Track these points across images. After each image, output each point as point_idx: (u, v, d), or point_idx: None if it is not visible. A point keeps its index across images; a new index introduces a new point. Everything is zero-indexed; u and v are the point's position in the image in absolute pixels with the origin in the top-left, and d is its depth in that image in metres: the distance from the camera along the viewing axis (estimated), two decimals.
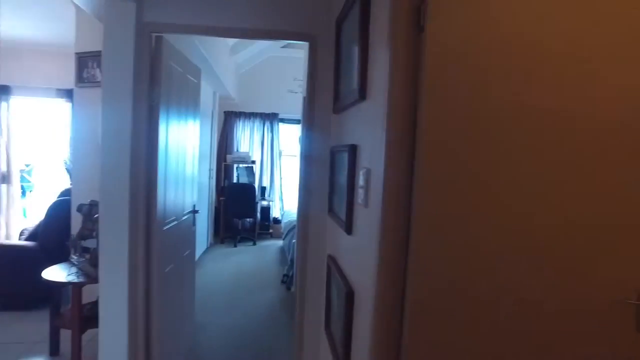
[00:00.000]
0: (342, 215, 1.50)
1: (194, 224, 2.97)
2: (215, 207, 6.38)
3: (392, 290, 1.09)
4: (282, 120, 6.92)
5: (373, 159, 1.18)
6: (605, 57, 1.05)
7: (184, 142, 2.63)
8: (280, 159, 6.93)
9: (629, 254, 1.09)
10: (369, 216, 1.19)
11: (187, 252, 2.78)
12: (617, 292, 1.08)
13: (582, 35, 1.05)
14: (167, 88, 2.18)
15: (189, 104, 2.69)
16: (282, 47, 6.67)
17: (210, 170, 5.92)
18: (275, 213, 6.88)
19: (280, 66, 6.77)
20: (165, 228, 2.27)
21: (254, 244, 6.19)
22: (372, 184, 1.18)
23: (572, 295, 1.08)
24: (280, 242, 6.12)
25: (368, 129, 1.27)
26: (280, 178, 6.93)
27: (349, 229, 1.43)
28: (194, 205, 2.97)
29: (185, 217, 2.73)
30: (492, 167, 1.05)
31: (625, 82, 1.06)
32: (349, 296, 1.36)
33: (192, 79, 2.75)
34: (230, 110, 6.79)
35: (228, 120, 6.79)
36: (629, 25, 1.06)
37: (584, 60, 1.05)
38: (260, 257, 5.52)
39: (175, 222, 2.47)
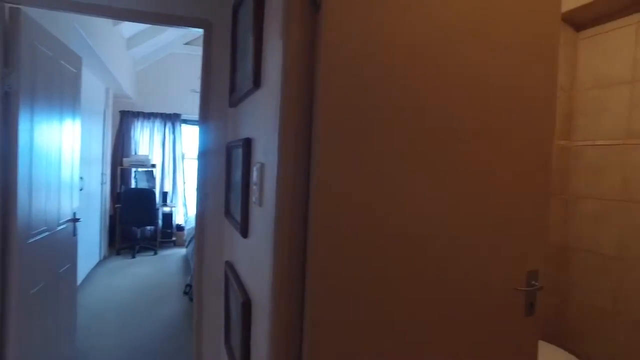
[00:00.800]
0: (238, 216, 1.36)
1: (74, 234, 2.57)
2: (110, 216, 5.75)
3: (290, 298, 0.98)
4: (185, 122, 6.51)
5: (267, 153, 1.07)
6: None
7: (58, 142, 2.25)
8: (183, 162, 6.50)
9: (518, 245, 1.12)
10: (264, 216, 1.08)
11: (65, 267, 2.39)
12: (509, 281, 1.11)
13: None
14: (31, 74, 1.83)
15: (65, 96, 2.32)
16: (185, 43, 6.28)
17: (102, 174, 5.32)
18: (178, 219, 6.43)
19: (183, 64, 6.37)
20: (31, 240, 1.90)
21: (155, 253, 5.69)
22: (265, 180, 1.07)
23: (470, 291, 1.08)
24: (183, 251, 5.72)
25: (262, 120, 1.15)
26: (184, 182, 6.50)
27: (244, 232, 1.29)
28: (75, 213, 2.58)
29: (62, 226, 2.35)
30: (391, 164, 0.99)
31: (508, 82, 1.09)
32: (246, 306, 1.23)
33: (70, 67, 2.38)
34: (127, 109, 6.20)
35: (124, 120, 6.19)
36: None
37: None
38: (161, 267, 5.08)
39: (47, 233, 2.10)
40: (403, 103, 1.00)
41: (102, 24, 3.83)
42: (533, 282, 1.12)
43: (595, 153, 2.18)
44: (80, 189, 3.91)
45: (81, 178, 3.92)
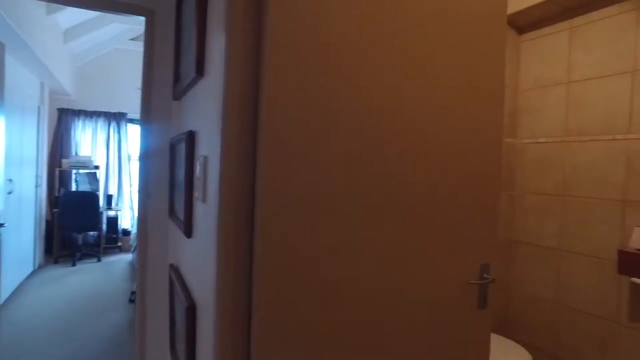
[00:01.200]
0: (181, 215, 1.27)
1: None
2: (47, 221, 5.32)
3: (236, 300, 0.91)
4: (132, 121, 6.18)
5: (211, 145, 0.99)
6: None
7: None
8: (129, 163, 6.16)
9: (471, 239, 1.12)
10: (208, 213, 1.00)
11: None
12: (463, 275, 1.10)
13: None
14: None
15: None
16: (131, 39, 5.97)
17: (37, 177, 4.91)
18: (124, 224, 6.08)
19: (128, 60, 6.04)
20: None
21: (99, 260, 5.34)
22: (209, 174, 0.99)
23: (425, 287, 1.06)
24: (130, 256, 5.41)
25: (206, 111, 1.07)
26: (130, 184, 6.16)
27: (188, 231, 1.21)
28: None
29: None
30: (340, 161, 0.95)
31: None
32: (190, 311, 1.14)
33: None
34: (66, 107, 5.79)
35: (63, 118, 5.77)
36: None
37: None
38: (105, 274, 4.77)
39: None
40: (354, 98, 0.96)
41: (32, 11, 3.52)
42: (485, 275, 1.12)
43: (538, 150, 2.28)
44: (9, 193, 3.58)
45: (10, 180, 3.59)
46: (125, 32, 5.69)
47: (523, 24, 2.34)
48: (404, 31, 1.01)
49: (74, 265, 5.06)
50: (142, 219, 1.78)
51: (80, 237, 5.57)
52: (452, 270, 1.10)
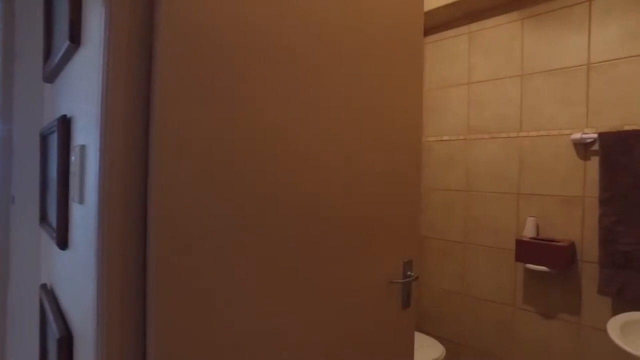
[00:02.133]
0: (54, 222, 1.01)
1: None
2: None
3: (124, 327, 0.72)
4: None
5: (89, 131, 0.78)
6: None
7: None
8: None
9: (395, 236, 1.07)
10: (86, 217, 0.78)
11: None
12: (387, 274, 1.04)
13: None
14: None
15: None
16: None
17: None
18: None
19: None
20: None
21: None
22: (87, 167, 0.78)
23: (347, 289, 0.97)
24: None
25: (84, 89, 0.85)
26: None
27: (62, 242, 0.96)
28: None
29: None
30: (249, 155, 0.82)
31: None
32: (64, 343, 0.90)
33: None
34: None
35: None
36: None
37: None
38: None
39: None
40: (262, 88, 0.83)
41: None
42: (409, 272, 1.08)
43: (443, 148, 2.37)
44: None
45: None
46: None
47: (427, 26, 2.42)
48: (324, 30, 0.91)
49: None
50: (2, 230, 1.43)
51: None
52: (374, 271, 1.04)
